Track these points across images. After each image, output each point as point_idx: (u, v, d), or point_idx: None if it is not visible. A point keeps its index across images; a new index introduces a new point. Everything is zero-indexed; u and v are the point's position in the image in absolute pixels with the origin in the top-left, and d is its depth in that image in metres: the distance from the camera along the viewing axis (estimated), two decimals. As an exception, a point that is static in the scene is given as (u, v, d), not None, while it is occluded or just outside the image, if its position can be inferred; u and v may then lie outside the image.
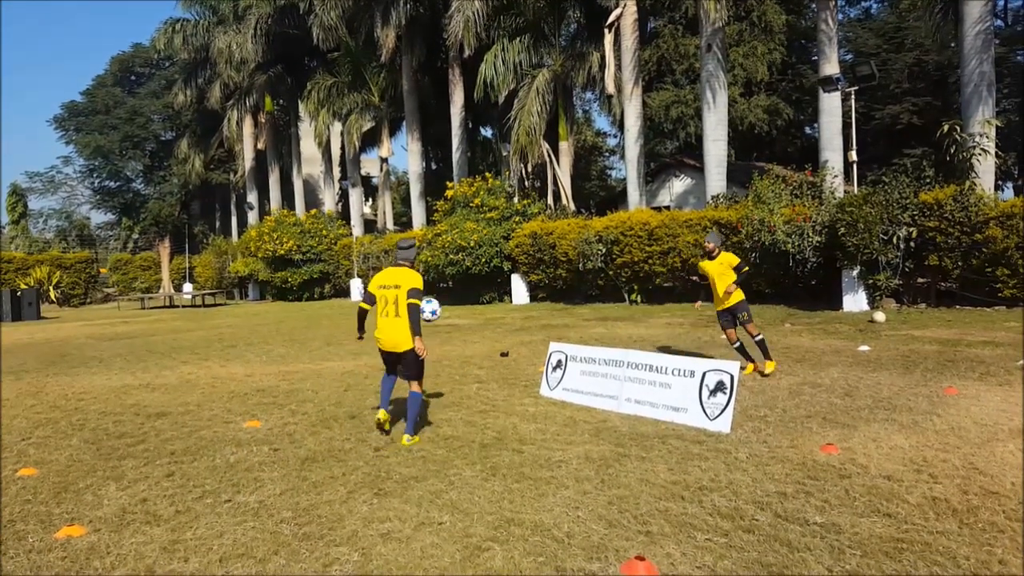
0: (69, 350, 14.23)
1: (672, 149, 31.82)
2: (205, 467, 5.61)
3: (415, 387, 6.02)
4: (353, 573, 3.72)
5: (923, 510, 4.19)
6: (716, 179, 18.99)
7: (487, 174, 23.60)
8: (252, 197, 36.32)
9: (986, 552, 3.64)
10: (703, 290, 8.91)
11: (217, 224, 44.58)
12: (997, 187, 16.42)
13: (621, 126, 23.81)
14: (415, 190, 28.86)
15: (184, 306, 29.75)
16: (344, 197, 36.91)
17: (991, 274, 13.35)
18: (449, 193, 22.84)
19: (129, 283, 37.06)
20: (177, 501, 4.86)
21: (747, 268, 8.58)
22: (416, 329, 5.83)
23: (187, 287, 33.30)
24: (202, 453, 6.01)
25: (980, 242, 13.31)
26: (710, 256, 8.60)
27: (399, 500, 4.69)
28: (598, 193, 39.83)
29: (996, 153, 15.26)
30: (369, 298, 6.18)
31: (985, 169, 14.69)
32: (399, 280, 5.96)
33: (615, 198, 30.43)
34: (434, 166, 36.16)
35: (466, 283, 21.47)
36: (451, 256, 20.69)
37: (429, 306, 6.74)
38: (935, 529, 3.92)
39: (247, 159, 36.11)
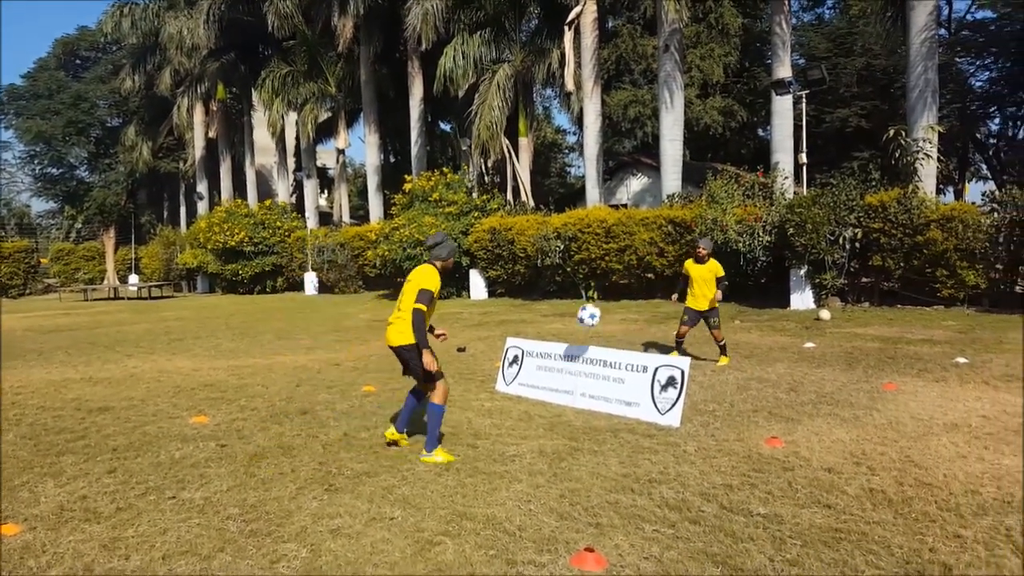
0: (6, 343, 13.75)
1: (630, 148, 32.17)
2: (149, 463, 5.50)
3: (432, 396, 5.40)
4: (301, 569, 3.70)
5: (861, 501, 4.35)
6: (672, 178, 19.25)
7: (446, 168, 23.48)
8: (202, 187, 35.51)
9: (918, 541, 3.80)
10: (680, 286, 9.34)
11: (165, 214, 43.46)
12: (938, 191, 17.03)
13: (580, 124, 23.95)
14: (372, 183, 28.59)
15: (130, 298, 28.96)
16: (298, 188, 36.32)
17: (931, 275, 13.86)
18: (407, 187, 22.69)
19: (71, 274, 35.89)
20: (119, 498, 4.76)
21: (727, 283, 9.18)
22: (420, 338, 5.19)
23: (133, 279, 32.41)
24: (146, 449, 5.88)
25: (921, 244, 13.80)
26: (699, 260, 8.97)
27: (350, 496, 4.68)
28: (557, 190, 39.99)
29: (938, 158, 15.82)
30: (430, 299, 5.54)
31: (927, 173, 15.21)
32: (415, 276, 5.42)
33: (574, 195, 30.59)
34: (392, 159, 35.83)
35: (422, 278, 21.31)
36: (409, 250, 20.56)
37: (586, 312, 6.88)
38: (871, 519, 4.08)
39: (198, 148, 35.29)
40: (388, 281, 23.99)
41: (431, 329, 5.57)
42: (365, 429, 6.33)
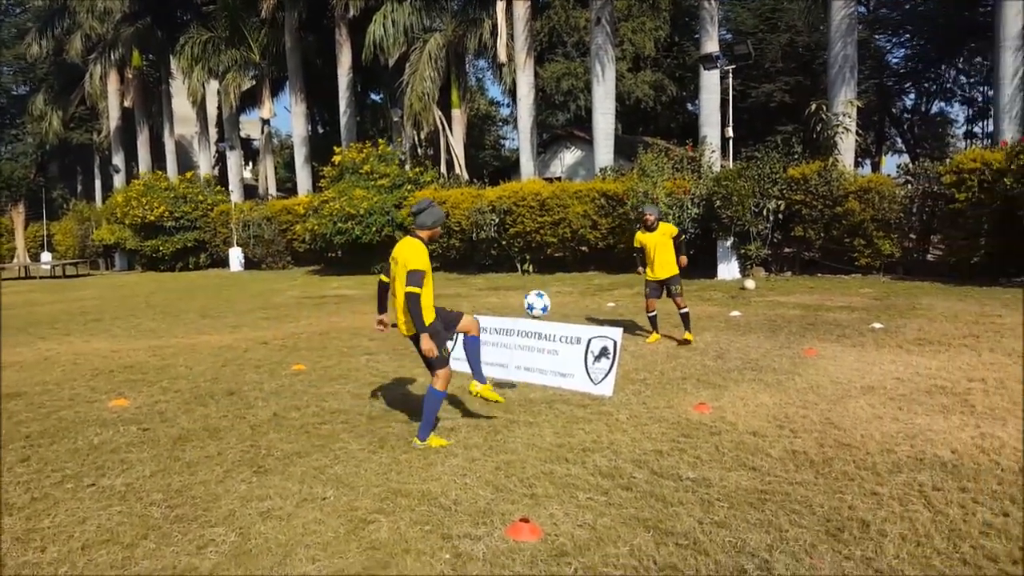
0: (-96, 326, 12.87)
1: (563, 121, 32.20)
2: (66, 450, 5.25)
3: (433, 381, 5.07)
4: (230, 554, 3.60)
5: (784, 463, 4.52)
6: (604, 152, 19.38)
7: (379, 140, 23.05)
8: (118, 159, 33.85)
9: (838, 499, 3.97)
10: (638, 258, 8.95)
11: (79, 188, 41.28)
12: (856, 163, 17.69)
13: (514, 96, 23.80)
14: (300, 154, 27.86)
15: (42, 277, 27.52)
16: (221, 160, 35.01)
17: (849, 244, 14.44)
18: (337, 158, 22.20)
19: (-24, 252, 33.81)
20: (33, 488, 4.52)
21: (683, 237, 8.89)
22: (418, 323, 4.86)
23: (45, 256, 30.78)
24: (62, 435, 5.61)
25: (840, 215, 14.33)
26: (649, 228, 8.64)
27: (280, 477, 4.58)
28: (492, 163, 39.77)
29: (856, 132, 16.39)
30: (388, 271, 5.31)
31: (847, 147, 15.75)
32: (400, 254, 5.01)
33: (508, 168, 30.48)
34: (320, 129, 34.91)
35: (356, 253, 21.02)
36: (340, 224, 20.18)
37: (540, 301, 6.71)
38: (794, 480, 4.24)
39: (112, 118, 33.55)
40: (318, 256, 23.53)
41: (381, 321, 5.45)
42: (295, 409, 6.21)
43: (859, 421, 5.29)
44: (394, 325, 5.31)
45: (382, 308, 5.45)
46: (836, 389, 6.22)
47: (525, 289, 15.10)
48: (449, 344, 5.29)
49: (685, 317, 8.73)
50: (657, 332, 8.92)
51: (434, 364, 5.04)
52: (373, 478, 4.51)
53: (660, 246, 8.62)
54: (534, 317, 6.91)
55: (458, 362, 7.55)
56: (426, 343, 4.89)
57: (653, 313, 8.87)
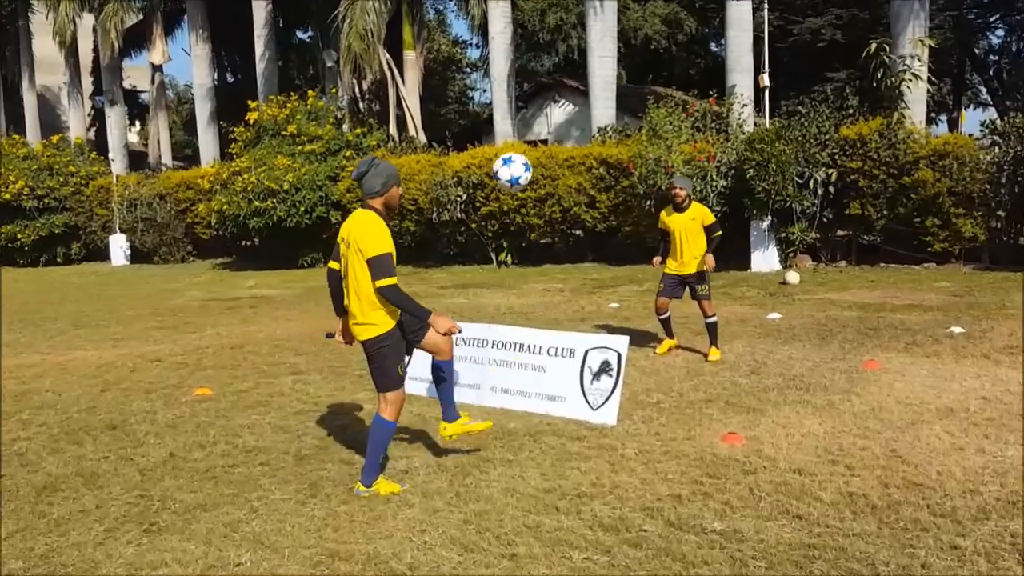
0: None
1: (550, 67, 32.33)
2: None
3: (383, 408, 5.01)
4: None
5: (838, 509, 4.56)
6: (603, 106, 19.44)
7: (308, 91, 22.93)
8: (-40, 119, 33.39)
9: (908, 555, 4.02)
10: (661, 247, 8.92)
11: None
12: (929, 120, 17.88)
13: (485, 34, 23.80)
14: (204, 111, 27.71)
15: None
16: (98, 119, 34.66)
17: (920, 225, 14.63)
18: (252, 116, 22.03)
19: None
20: None
21: (720, 233, 8.69)
22: (417, 310, 4.91)
23: None
24: None
25: (908, 186, 14.52)
26: (678, 207, 8.58)
27: (179, 537, 4.54)
28: (457, 121, 39.74)
29: (928, 79, 16.59)
30: (337, 254, 5.16)
31: (916, 98, 15.94)
32: (351, 234, 4.88)
33: (478, 128, 30.45)
34: (231, 78, 34.71)
35: (278, 240, 20.90)
36: (256, 203, 20.02)
37: (507, 170, 6.53)
38: (851, 531, 4.28)
39: (-50, 64, 33.09)
40: (228, 245, 23.33)
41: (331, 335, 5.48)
42: (199, 447, 6.16)
43: (934, 454, 5.35)
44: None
45: (342, 308, 5.23)
46: (905, 412, 6.28)
47: (502, 287, 15.16)
48: (407, 360, 5.25)
49: (712, 328, 8.68)
50: (671, 337, 8.97)
51: (386, 384, 5.00)
52: (303, 536, 4.47)
53: (689, 232, 8.55)
54: (512, 185, 6.64)
55: (413, 382, 7.54)
56: (443, 322, 4.96)
57: (666, 315, 8.87)
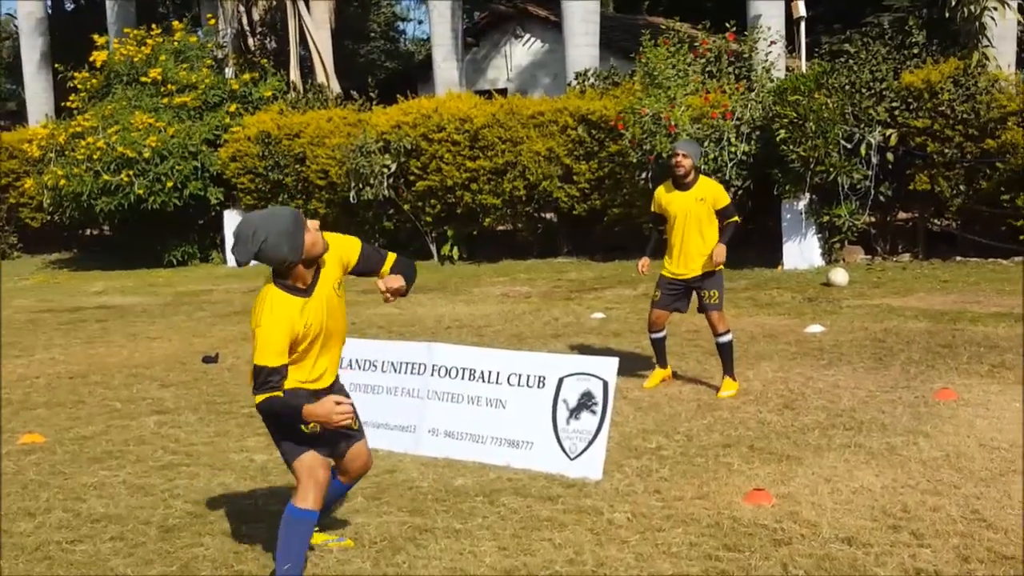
0: None
1: (510, -9, 32.27)
2: None
3: (296, 495, 4.95)
4: None
5: (902, 591, 4.59)
6: (583, 43, 19.45)
7: (175, 23, 22.69)
8: None
9: (994, 651, 4.06)
10: (654, 240, 8.87)
11: None
12: (1021, 63, 18.00)
13: (418, -57, 23.72)
14: (32, 49, 27.57)
15: None
16: None
17: (1008, 205, 14.74)
18: (100, 57, 21.80)
19: None
20: None
21: (737, 219, 8.65)
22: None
23: None
24: None
25: (993, 153, 14.66)
26: (679, 183, 8.44)
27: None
28: (382, 64, 39.55)
29: (1020, 6, 16.74)
30: None
31: (1003, 33, 16.05)
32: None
33: (412, 73, 30.27)
34: (70, 4, 34.28)
35: (137, 228, 20.71)
36: (106, 177, 19.80)
37: None
38: (920, 621, 4.31)
39: None
40: (66, 235, 23.06)
41: None
42: (27, 515, 6.07)
43: (1030, 515, 5.41)
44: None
45: None
46: (990, 460, 6.31)
47: (446, 290, 15.11)
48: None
49: (726, 351, 8.60)
50: (664, 366, 8.90)
51: (290, 452, 4.88)
52: (172, 640, 4.43)
53: (693, 217, 8.40)
54: None
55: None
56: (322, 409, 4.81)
57: (660, 334, 8.81)
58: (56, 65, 26.51)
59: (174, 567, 5.21)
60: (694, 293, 8.62)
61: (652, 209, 8.82)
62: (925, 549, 4.99)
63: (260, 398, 4.63)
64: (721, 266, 8.52)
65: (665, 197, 8.55)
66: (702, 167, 15.27)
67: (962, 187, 14.95)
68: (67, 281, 19.35)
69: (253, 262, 4.68)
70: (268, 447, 7.34)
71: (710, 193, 8.45)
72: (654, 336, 8.81)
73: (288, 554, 4.78)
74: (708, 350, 9.79)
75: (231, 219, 20.44)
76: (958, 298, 12.28)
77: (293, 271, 4.75)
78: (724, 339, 8.53)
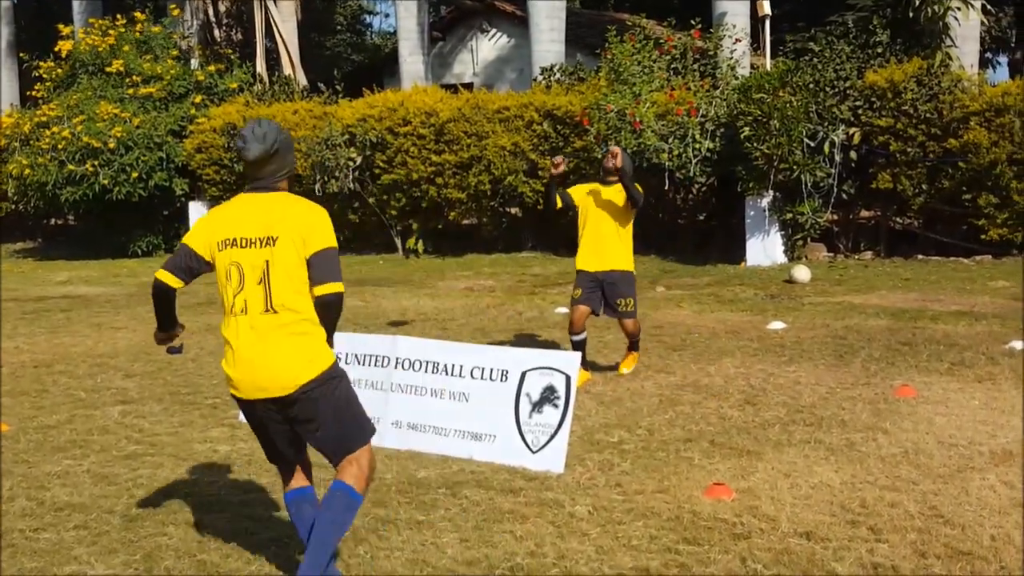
0: None
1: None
2: None
3: (348, 472, 4.57)
4: None
5: (860, 586, 4.61)
6: (549, 39, 19.45)
7: (137, 14, 22.52)
8: None
9: (950, 646, 4.09)
10: (555, 199, 8.76)
11: None
12: (984, 63, 18.14)
13: (387, -64, 23.67)
14: (-4, 39, 27.06)
15: None
16: None
17: (970, 204, 14.88)
18: (65, 46, 21.62)
19: None
20: None
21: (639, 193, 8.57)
22: (332, 339, 4.64)
23: None
24: None
25: (956, 152, 14.77)
26: (605, 178, 8.54)
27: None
28: (349, 57, 39.40)
29: (983, 6, 16.86)
30: (185, 265, 4.69)
31: (966, 33, 16.19)
32: (272, 224, 4.52)
33: (379, 66, 30.18)
34: (35, -6, 33.94)
35: (102, 218, 20.58)
36: (71, 167, 19.66)
37: None
38: (877, 615, 4.34)
39: None
40: (31, 225, 22.83)
41: (169, 334, 5.07)
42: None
43: (987, 512, 5.41)
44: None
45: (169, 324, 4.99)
46: (948, 456, 6.35)
47: (411, 284, 15.08)
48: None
49: (634, 342, 8.97)
50: (586, 368, 8.66)
51: (357, 439, 4.60)
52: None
53: (612, 214, 8.51)
54: None
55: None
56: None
57: (582, 335, 8.74)
58: (21, 54, 26.31)
59: (137, 556, 5.16)
60: (603, 295, 8.64)
61: (572, 194, 8.77)
62: (883, 544, 5.02)
63: (338, 287, 4.48)
64: (630, 262, 8.69)
65: (591, 189, 8.65)
66: (666, 165, 15.47)
67: (924, 186, 15.09)
68: (31, 271, 19.15)
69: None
70: (231, 438, 7.37)
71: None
72: (576, 338, 8.70)
73: (338, 533, 4.61)
74: (671, 345, 9.87)
75: (196, 210, 20.39)
76: (919, 296, 12.39)
77: (283, 184, 4.64)
78: (636, 338, 8.91)
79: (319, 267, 4.42)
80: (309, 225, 4.48)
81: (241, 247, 4.47)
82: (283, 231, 4.43)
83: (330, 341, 4.58)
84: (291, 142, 4.70)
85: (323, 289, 4.42)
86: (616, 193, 8.46)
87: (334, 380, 4.53)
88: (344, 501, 4.50)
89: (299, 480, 4.80)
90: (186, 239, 4.67)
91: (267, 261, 4.42)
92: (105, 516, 5.74)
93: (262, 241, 4.45)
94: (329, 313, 4.52)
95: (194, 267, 4.63)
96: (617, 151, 8.50)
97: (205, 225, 4.67)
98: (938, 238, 15.35)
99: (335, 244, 4.53)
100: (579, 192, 8.80)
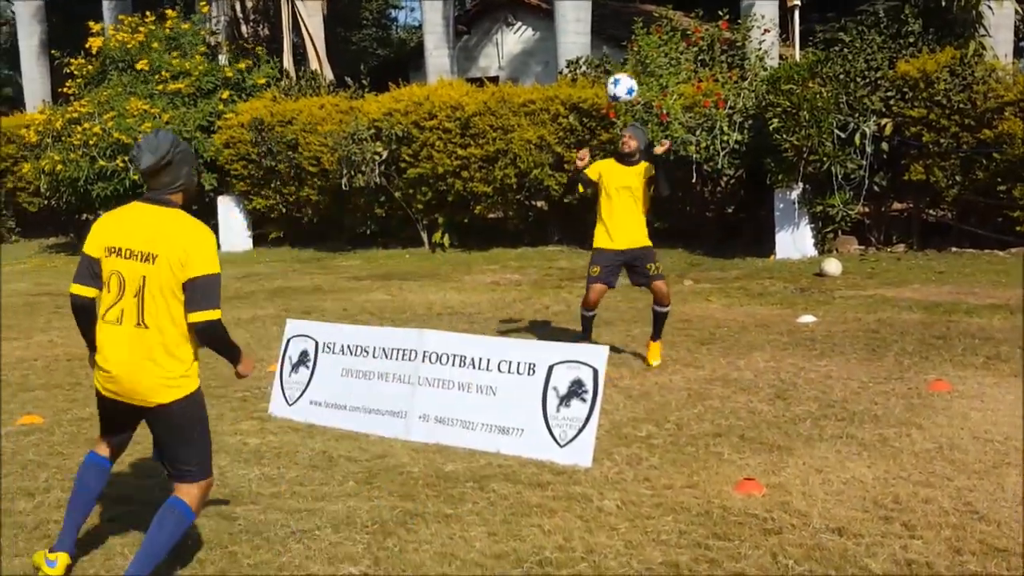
0: None
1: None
2: None
3: (184, 491, 4.71)
4: None
5: (893, 583, 4.58)
6: (574, 31, 19.42)
7: (167, 11, 22.62)
8: None
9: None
10: (581, 183, 9.08)
11: None
12: (1019, 52, 17.94)
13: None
14: (29, 37, 27.58)
15: None
16: None
17: (1005, 196, 14.73)
18: (95, 43, 21.72)
19: None
20: None
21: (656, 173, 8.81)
22: (231, 355, 4.85)
23: None
24: None
25: (990, 143, 14.63)
26: (623, 159, 8.82)
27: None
28: (375, 52, 39.43)
29: (1019, -3, 16.69)
30: (90, 272, 4.74)
31: (1000, 21, 16.02)
32: (154, 240, 4.56)
33: (404, 61, 30.22)
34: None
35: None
36: (102, 163, 19.77)
37: (619, 87, 8.79)
38: (909, 612, 4.31)
39: None
40: (63, 220, 22.99)
41: None
42: (26, 495, 6.07)
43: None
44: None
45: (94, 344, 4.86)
46: (984, 452, 6.30)
47: (437, 277, 15.08)
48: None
49: (661, 320, 9.04)
50: (587, 337, 9.03)
51: (202, 445, 4.79)
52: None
53: (631, 195, 8.76)
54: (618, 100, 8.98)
55: (317, 408, 7.49)
56: (247, 365, 4.91)
57: (593, 312, 9.04)
58: (53, 52, 26.49)
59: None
60: (627, 269, 8.97)
61: (590, 175, 8.93)
62: (916, 541, 4.99)
63: (211, 315, 4.57)
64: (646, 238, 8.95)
65: (608, 170, 8.87)
66: (693, 158, 15.43)
67: (958, 177, 14.92)
68: (64, 265, 19.28)
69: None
70: (261, 431, 7.43)
71: (648, 172, 8.76)
72: (588, 314, 9.01)
73: (166, 546, 4.66)
74: (699, 339, 9.83)
75: (224, 204, 20.47)
76: (953, 289, 12.28)
77: (178, 202, 4.69)
78: (664, 310, 8.98)
79: (193, 294, 4.49)
80: (190, 249, 4.51)
81: (124, 257, 4.58)
82: (163, 250, 4.51)
83: (232, 358, 4.82)
84: (189, 156, 4.76)
85: (196, 316, 4.50)
86: (636, 176, 8.75)
87: (189, 409, 4.67)
88: (178, 518, 4.63)
89: (105, 451, 4.99)
90: (84, 247, 4.79)
91: (144, 277, 4.54)
92: (142, 507, 5.76)
93: (142, 256, 4.55)
94: (206, 341, 4.66)
95: (98, 272, 4.71)
96: (627, 136, 8.89)
97: (98, 230, 4.79)
98: (972, 230, 15.21)
99: (216, 270, 4.58)
100: (595, 170, 8.97)
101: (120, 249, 4.58)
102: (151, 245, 4.49)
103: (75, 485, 4.94)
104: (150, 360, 4.53)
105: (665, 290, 8.93)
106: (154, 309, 4.50)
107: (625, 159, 8.82)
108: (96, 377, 4.73)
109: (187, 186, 4.70)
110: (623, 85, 8.81)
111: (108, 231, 4.67)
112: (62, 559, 4.75)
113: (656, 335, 9.08)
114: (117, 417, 4.85)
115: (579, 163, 8.83)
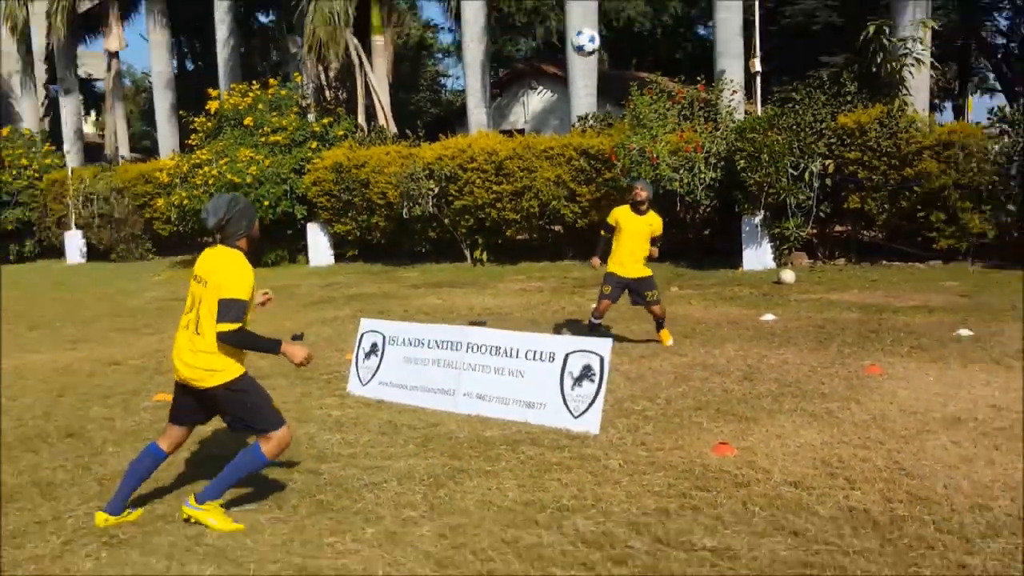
0: None
1: (527, 52, 32.30)
2: None
3: (260, 440, 4.93)
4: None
5: (837, 524, 4.56)
6: (584, 93, 19.43)
7: (270, 79, 22.80)
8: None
9: (913, 573, 4.02)
10: (603, 244, 9.50)
11: None
12: (933, 107, 17.90)
13: (458, 17, 23.76)
14: (162, 101, 27.54)
15: None
16: (52, 109, 34.34)
17: (924, 220, 14.64)
18: (213, 105, 21.91)
19: None
20: None
21: (662, 243, 9.44)
22: (265, 345, 4.92)
23: None
24: None
25: (911, 178, 14.57)
26: (636, 208, 9.10)
27: (140, 551, 4.53)
28: (428, 110, 39.67)
29: (932, 64, 16.60)
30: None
31: (918, 84, 15.97)
32: (209, 270, 4.88)
33: (451, 117, 30.41)
34: (191, 66, 34.53)
35: (242, 237, 20.77)
36: (218, 198, 19.94)
37: (583, 38, 8.03)
38: (851, 548, 4.29)
39: None
40: (188, 242, 23.17)
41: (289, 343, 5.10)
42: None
43: (940, 466, 5.36)
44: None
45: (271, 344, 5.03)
46: (909, 422, 6.30)
47: (477, 285, 15.13)
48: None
49: (661, 323, 9.46)
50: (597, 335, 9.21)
51: (263, 413, 4.95)
52: (268, 551, 4.46)
53: (640, 236, 9.12)
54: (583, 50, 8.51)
55: (385, 387, 7.51)
56: (300, 351, 4.97)
57: (600, 320, 9.40)
58: (181, 112, 26.78)
59: (268, 497, 5.27)
60: (629, 293, 9.26)
61: (609, 220, 9.40)
62: (856, 491, 5.02)
63: (227, 326, 4.73)
64: (648, 270, 9.27)
65: (624, 216, 9.17)
66: (677, 191, 15.42)
67: (886, 206, 14.86)
68: (188, 277, 19.36)
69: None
70: (341, 405, 7.49)
71: (655, 222, 9.21)
72: (596, 321, 9.37)
73: (235, 477, 4.96)
74: (683, 333, 9.84)
75: (313, 230, 20.58)
76: (883, 294, 12.23)
77: (243, 246, 4.96)
78: (662, 320, 9.44)
79: (220, 309, 4.74)
80: (225, 277, 4.79)
81: (196, 281, 4.97)
82: (211, 277, 4.84)
83: (267, 351, 4.94)
84: (248, 210, 5.01)
85: (218, 327, 4.74)
86: (645, 224, 9.09)
87: (233, 389, 4.89)
88: (251, 457, 4.93)
89: (166, 445, 5.10)
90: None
91: (200, 296, 4.88)
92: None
93: (200, 280, 4.93)
94: (231, 344, 4.82)
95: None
96: (639, 188, 9.20)
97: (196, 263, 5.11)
98: (899, 247, 15.13)
99: (240, 296, 4.78)
100: (613, 216, 9.33)
101: (196, 276, 4.98)
102: (207, 273, 4.86)
103: (130, 466, 5.10)
104: (198, 355, 4.85)
105: (659, 311, 9.30)
106: (203, 319, 4.84)
107: (637, 207, 9.08)
108: (174, 369, 5.01)
109: (247, 234, 4.99)
110: (585, 35, 9.02)
111: (196, 264, 5.03)
112: (100, 516, 4.95)
113: (660, 327, 9.40)
114: (182, 400, 5.06)
115: (594, 266, 9.61)
